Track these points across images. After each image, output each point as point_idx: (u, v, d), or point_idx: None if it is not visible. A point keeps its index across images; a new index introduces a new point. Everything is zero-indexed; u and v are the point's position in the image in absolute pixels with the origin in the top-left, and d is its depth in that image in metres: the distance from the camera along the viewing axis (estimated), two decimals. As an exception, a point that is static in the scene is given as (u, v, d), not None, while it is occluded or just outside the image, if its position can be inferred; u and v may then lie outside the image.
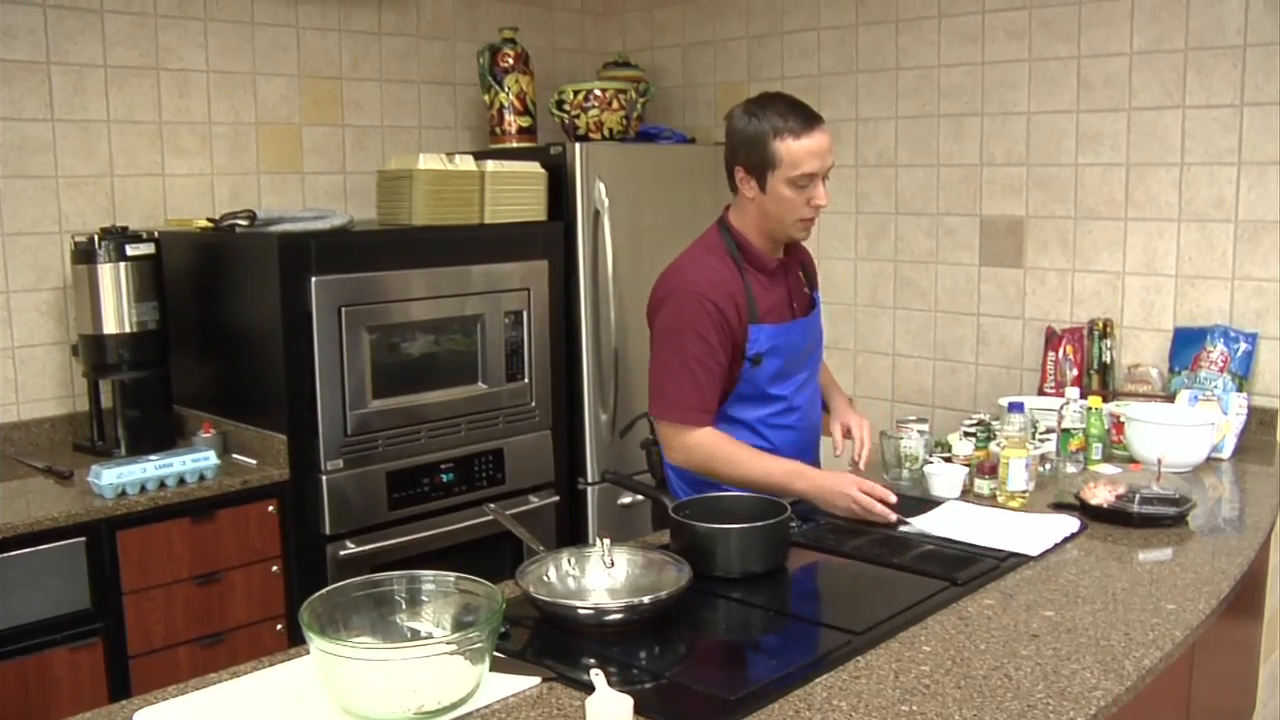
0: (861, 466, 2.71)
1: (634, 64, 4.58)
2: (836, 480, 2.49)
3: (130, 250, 3.20)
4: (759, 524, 2.20)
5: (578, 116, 4.14)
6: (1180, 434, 2.95)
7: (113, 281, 3.18)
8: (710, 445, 2.52)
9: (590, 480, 3.90)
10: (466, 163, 3.63)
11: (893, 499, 2.46)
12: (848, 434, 2.76)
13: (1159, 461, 2.81)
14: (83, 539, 2.83)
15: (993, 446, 2.78)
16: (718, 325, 2.50)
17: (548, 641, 1.90)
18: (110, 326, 3.19)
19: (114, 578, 2.89)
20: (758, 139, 2.47)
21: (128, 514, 2.90)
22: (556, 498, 3.81)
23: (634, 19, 4.85)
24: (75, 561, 2.83)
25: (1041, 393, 3.61)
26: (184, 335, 3.46)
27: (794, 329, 2.64)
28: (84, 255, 3.19)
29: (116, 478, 2.90)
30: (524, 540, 2.20)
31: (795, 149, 2.45)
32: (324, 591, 1.77)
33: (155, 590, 2.96)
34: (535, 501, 3.74)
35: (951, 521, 2.49)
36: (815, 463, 2.80)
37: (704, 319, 2.49)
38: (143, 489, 2.95)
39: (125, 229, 3.29)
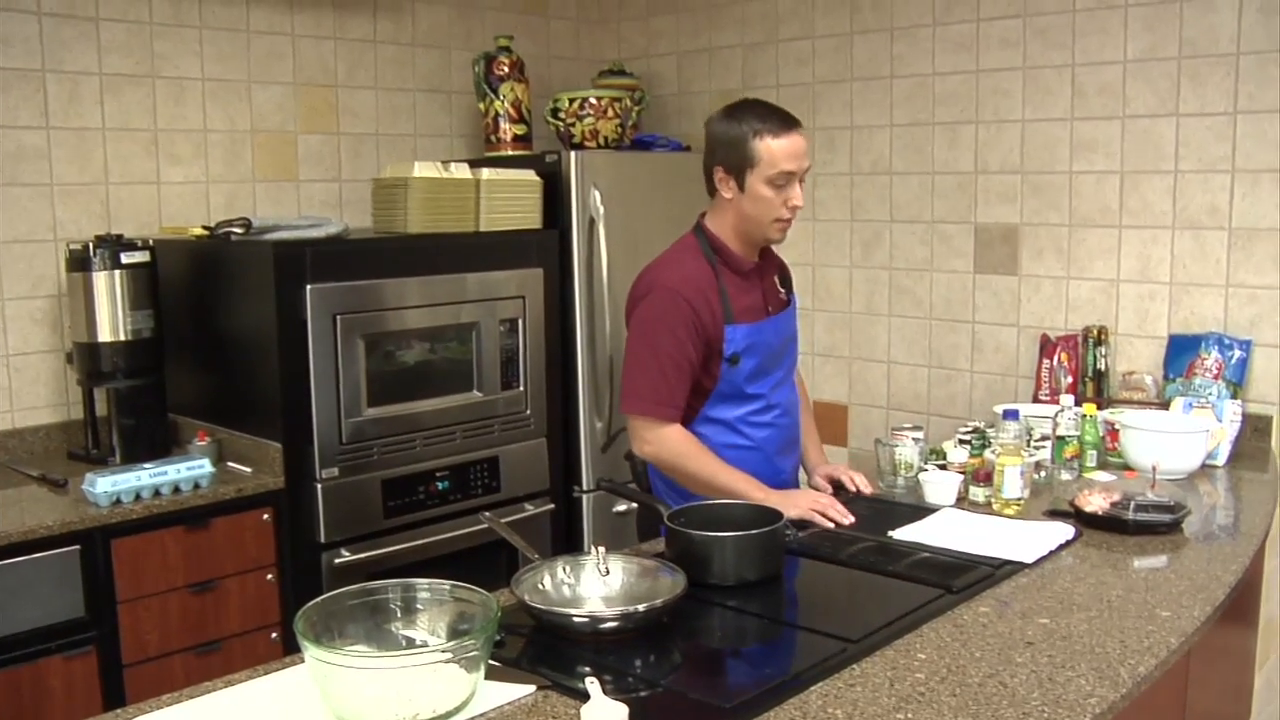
0: (866, 490, 2.78)
1: (629, 72, 4.58)
2: (792, 495, 2.60)
3: (125, 258, 3.20)
4: (754, 532, 2.19)
5: (573, 124, 4.15)
6: (1175, 441, 2.95)
7: (108, 289, 3.18)
8: (681, 443, 2.57)
9: (585, 488, 3.90)
10: (462, 171, 3.63)
11: (848, 517, 2.55)
12: (832, 481, 2.84)
13: (1154, 468, 2.81)
14: (77, 547, 2.83)
15: (988, 454, 2.78)
16: (690, 323, 2.53)
17: (543, 650, 1.90)
18: (105, 334, 3.19)
19: (108, 586, 2.89)
20: (737, 139, 2.53)
21: (122, 522, 2.90)
22: (552, 506, 3.81)
23: (629, 27, 4.86)
24: (69, 570, 2.82)
25: (1036, 400, 3.61)
26: (179, 343, 3.46)
27: (766, 327, 2.67)
28: (79, 263, 3.19)
29: (111, 486, 2.90)
30: (519, 548, 2.19)
31: (774, 148, 2.50)
32: (319, 600, 1.76)
33: (150, 599, 2.96)
34: (530, 509, 3.73)
35: (946, 529, 2.49)
36: (795, 462, 2.86)
37: (677, 317, 2.53)
38: (137, 497, 2.94)
39: (120, 237, 3.28)
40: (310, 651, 1.60)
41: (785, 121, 2.54)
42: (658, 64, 4.76)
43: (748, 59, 4.46)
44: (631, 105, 4.25)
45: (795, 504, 2.52)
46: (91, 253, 3.17)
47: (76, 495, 2.97)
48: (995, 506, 2.65)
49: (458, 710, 1.65)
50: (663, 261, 2.67)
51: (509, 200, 3.70)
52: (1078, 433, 3.00)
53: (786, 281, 2.84)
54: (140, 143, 3.62)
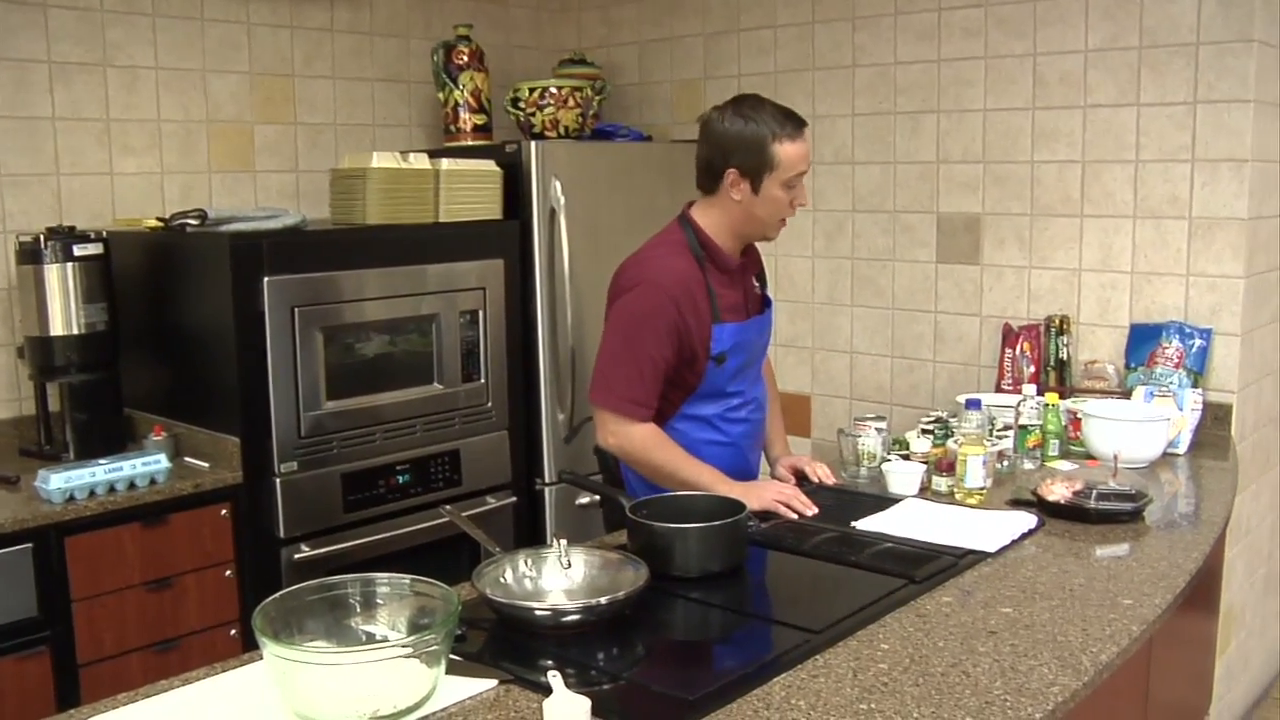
0: (829, 481, 2.78)
1: (590, 61, 4.56)
2: (756, 486, 2.59)
3: (78, 250, 3.14)
4: (717, 523, 2.19)
5: (533, 114, 4.12)
6: (1136, 430, 2.97)
7: (60, 282, 3.12)
8: (650, 438, 2.55)
9: (547, 481, 3.88)
10: (421, 161, 3.59)
11: (812, 508, 2.54)
12: (795, 472, 2.84)
13: (1115, 457, 2.82)
14: (30, 545, 2.78)
15: (950, 444, 2.79)
16: (674, 325, 2.51)
17: (504, 643, 1.88)
18: (58, 328, 3.14)
19: (62, 585, 2.84)
20: (756, 142, 2.49)
21: (76, 519, 2.85)
22: (514, 498, 3.78)
23: (590, 16, 4.83)
24: (22, 569, 2.77)
25: (999, 390, 3.62)
26: (134, 337, 3.40)
27: (750, 328, 2.67)
28: (30, 256, 3.13)
29: (65, 482, 2.85)
30: (481, 542, 2.18)
31: (792, 151, 2.50)
32: (278, 595, 1.74)
33: (106, 597, 2.91)
34: (492, 502, 3.71)
35: (909, 519, 2.49)
36: (758, 455, 2.86)
37: (662, 316, 2.50)
38: (92, 494, 2.90)
39: (72, 229, 3.23)
40: (269, 648, 1.58)
41: (800, 123, 2.54)
42: (619, 53, 4.74)
43: (709, 48, 4.44)
44: (592, 95, 4.23)
45: (758, 495, 2.50)
46: (43, 245, 3.11)
47: (29, 492, 2.92)
48: (958, 496, 2.66)
49: (418, 705, 1.63)
50: (649, 255, 2.62)
51: (469, 191, 3.67)
52: (1040, 422, 3.01)
53: (762, 278, 2.82)
54: (92, 132, 3.56)
